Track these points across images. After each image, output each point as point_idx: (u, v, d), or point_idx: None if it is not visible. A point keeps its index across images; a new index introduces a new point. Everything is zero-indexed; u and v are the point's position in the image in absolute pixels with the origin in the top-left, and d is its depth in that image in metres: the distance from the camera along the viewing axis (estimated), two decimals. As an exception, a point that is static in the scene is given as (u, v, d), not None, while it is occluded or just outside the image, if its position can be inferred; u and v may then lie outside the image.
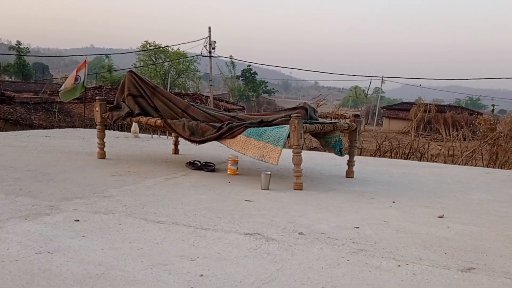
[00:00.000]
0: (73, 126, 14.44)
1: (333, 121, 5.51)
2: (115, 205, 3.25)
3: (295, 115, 4.13)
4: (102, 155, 5.29)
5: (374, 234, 2.93)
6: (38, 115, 20.04)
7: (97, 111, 5.20)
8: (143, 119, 5.00)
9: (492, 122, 14.11)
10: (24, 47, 59.17)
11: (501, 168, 9.44)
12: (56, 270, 2.07)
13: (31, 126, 16.64)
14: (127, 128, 11.17)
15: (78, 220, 2.83)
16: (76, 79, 7.63)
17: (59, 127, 14.18)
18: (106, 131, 5.46)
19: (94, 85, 32.76)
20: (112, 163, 5.02)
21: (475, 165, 9.61)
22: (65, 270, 2.07)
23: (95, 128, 5.38)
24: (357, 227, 3.06)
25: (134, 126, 7.85)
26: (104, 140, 5.30)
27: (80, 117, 18.36)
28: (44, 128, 14.24)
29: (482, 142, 11.61)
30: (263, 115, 5.05)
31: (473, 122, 16.94)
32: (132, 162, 5.21)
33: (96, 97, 5.38)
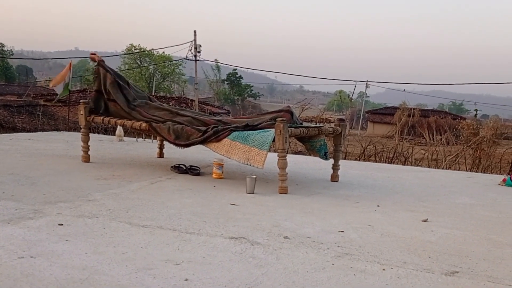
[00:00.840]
0: (57, 129, 14.33)
1: (318, 125, 5.52)
2: (100, 209, 3.22)
3: (281, 119, 4.14)
4: (87, 159, 5.26)
5: (359, 238, 2.94)
6: (22, 118, 19.83)
7: (82, 114, 5.17)
8: (128, 123, 4.97)
9: (475, 127, 14.23)
10: (7, 50, 58.53)
11: (483, 172, 9.54)
12: (39, 275, 2.05)
13: (14, 129, 16.47)
14: (111, 132, 11.10)
15: (62, 224, 2.81)
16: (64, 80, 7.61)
17: (43, 130, 14.05)
18: (91, 135, 5.43)
19: (78, 88, 32.50)
20: (97, 167, 4.99)
21: (459, 169, 9.70)
22: (48, 275, 2.05)
23: (80, 132, 5.35)
24: (342, 231, 3.07)
25: (119, 130, 7.81)
26: (89, 143, 5.27)
27: (64, 120, 18.20)
28: (28, 131, 14.11)
29: (465, 146, 11.71)
30: (248, 118, 5.05)
31: (456, 126, 17.08)
32: (116, 165, 5.18)
33: (81, 100, 5.35)
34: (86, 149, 5.26)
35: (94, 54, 5.50)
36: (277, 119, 4.16)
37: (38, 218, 2.91)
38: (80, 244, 2.48)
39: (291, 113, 4.70)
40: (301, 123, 5.00)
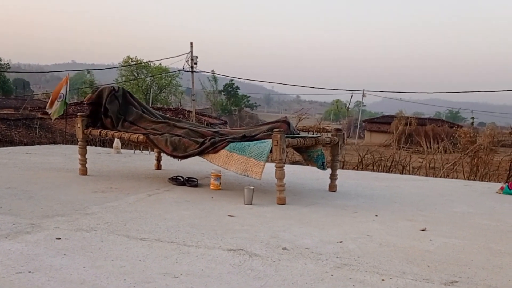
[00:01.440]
0: (55, 142, 14.31)
1: (315, 135, 5.53)
2: (97, 222, 3.22)
3: (278, 129, 4.14)
4: (84, 172, 5.25)
5: (358, 248, 2.93)
6: (19, 131, 19.82)
7: (79, 127, 5.17)
8: (125, 135, 4.97)
9: (472, 135, 14.28)
10: (4, 63, 58.60)
11: (481, 180, 9.55)
12: (37, 289, 2.04)
13: (12, 143, 16.44)
14: (109, 144, 11.10)
15: (60, 238, 2.80)
16: (59, 97, 7.60)
17: (40, 143, 14.04)
18: (88, 147, 5.42)
19: (75, 101, 32.51)
20: (94, 180, 4.98)
21: (456, 177, 9.71)
22: (46, 290, 2.04)
23: (77, 144, 5.34)
24: (340, 242, 3.07)
25: (116, 142, 7.81)
26: (86, 156, 5.26)
27: (61, 133, 18.18)
28: (25, 144, 14.10)
29: (462, 154, 11.72)
30: (246, 129, 5.06)
31: (454, 134, 17.12)
32: (114, 178, 5.17)
33: (78, 113, 5.35)
34: (84, 162, 5.26)
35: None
36: (274, 130, 4.17)
37: (35, 233, 2.90)
38: (78, 258, 2.47)
39: (288, 124, 4.71)
40: (298, 133, 5.00)
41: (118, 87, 5.38)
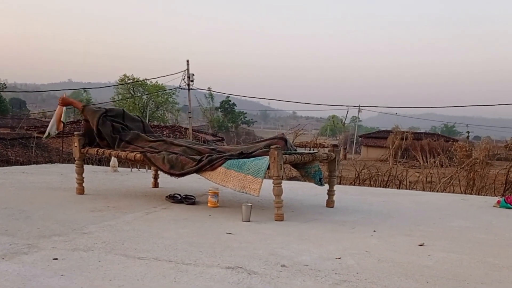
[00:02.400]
0: (51, 162, 14.26)
1: (312, 151, 5.54)
2: (95, 242, 3.21)
3: (275, 146, 4.15)
4: (81, 191, 5.24)
5: (356, 264, 2.93)
6: (15, 151, 19.76)
7: (76, 146, 5.17)
8: (122, 154, 4.97)
9: (467, 149, 14.29)
10: (1, 83, 58.70)
11: (478, 194, 9.55)
12: (35, 311, 2.03)
13: (8, 162, 16.38)
14: (106, 162, 11.08)
15: (57, 259, 2.79)
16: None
17: (37, 162, 13.99)
18: (85, 166, 5.43)
19: (72, 120, 32.50)
20: (91, 199, 4.97)
21: (453, 191, 9.71)
22: (44, 311, 2.03)
23: (74, 163, 5.34)
24: (339, 258, 3.06)
25: (113, 160, 7.80)
26: (83, 175, 5.25)
27: (58, 152, 18.16)
28: (21, 164, 14.05)
29: (459, 168, 11.73)
30: (243, 146, 5.06)
31: (449, 148, 17.15)
32: (111, 197, 5.16)
33: (75, 132, 5.35)
34: (81, 181, 5.25)
35: (62, 97, 5.55)
36: (271, 147, 4.18)
37: (32, 253, 2.89)
38: (76, 278, 2.46)
39: (285, 140, 4.72)
40: (295, 150, 5.01)
41: (111, 108, 5.39)
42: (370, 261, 3.02)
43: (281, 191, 4.19)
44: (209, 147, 5.13)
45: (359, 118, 51.77)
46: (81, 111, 5.34)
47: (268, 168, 4.15)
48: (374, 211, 5.00)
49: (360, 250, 3.28)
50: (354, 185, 10.03)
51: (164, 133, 23.01)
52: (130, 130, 5.28)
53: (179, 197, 5.00)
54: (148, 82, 46.86)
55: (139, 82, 46.80)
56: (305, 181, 5.62)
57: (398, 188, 9.84)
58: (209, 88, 48.52)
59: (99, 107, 5.42)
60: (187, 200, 4.95)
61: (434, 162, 13.78)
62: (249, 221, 4.09)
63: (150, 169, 6.81)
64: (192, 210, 4.59)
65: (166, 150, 4.85)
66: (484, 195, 8.93)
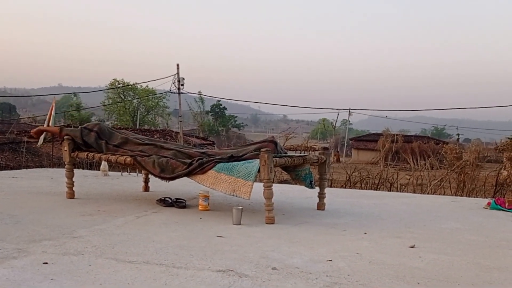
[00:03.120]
0: (41, 166, 14.17)
1: (302, 154, 5.54)
2: (85, 246, 3.19)
3: (265, 149, 4.15)
4: (71, 195, 5.21)
5: (347, 267, 2.93)
6: (5, 156, 19.63)
7: (66, 150, 5.14)
8: (113, 158, 4.95)
9: (458, 151, 14.36)
10: (-10, 88, 58.40)
11: (468, 196, 9.59)
12: (24, 315, 2.01)
13: (-3, 167, 16.27)
14: (96, 166, 11.03)
15: (47, 263, 2.77)
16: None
17: (27, 167, 13.90)
18: (75, 170, 5.39)
19: (62, 124, 32.36)
20: (82, 203, 4.94)
21: (444, 194, 9.75)
22: (33, 316, 2.01)
23: (64, 168, 5.31)
24: (330, 260, 3.06)
25: (104, 165, 7.77)
26: (73, 179, 5.23)
27: (48, 156, 18.05)
28: (11, 168, 13.96)
29: (449, 170, 11.79)
30: (233, 149, 5.06)
31: (440, 151, 17.23)
32: (102, 201, 5.14)
33: (65, 136, 5.32)
34: (71, 185, 5.22)
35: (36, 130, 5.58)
36: (261, 150, 4.18)
37: (22, 257, 2.87)
38: (66, 282, 2.44)
39: (275, 143, 4.72)
40: (286, 153, 5.01)
41: (93, 123, 5.41)
42: (361, 263, 3.02)
43: (271, 194, 4.19)
44: (199, 150, 5.12)
45: (349, 121, 52.00)
46: (59, 133, 5.33)
47: (259, 171, 4.15)
48: (365, 214, 5.01)
49: (351, 253, 3.29)
50: (345, 188, 10.05)
51: (155, 137, 22.93)
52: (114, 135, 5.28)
53: (170, 201, 4.99)
54: (139, 86, 46.78)
55: (130, 86, 46.66)
56: (295, 184, 5.62)
57: (389, 190, 9.86)
58: (199, 92, 48.46)
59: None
60: (177, 203, 4.93)
61: (425, 164, 13.84)
62: (240, 224, 4.09)
63: (141, 173, 6.79)
64: (182, 213, 4.58)
65: (156, 154, 4.84)
66: (474, 197, 8.97)
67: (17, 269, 2.63)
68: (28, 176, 7.40)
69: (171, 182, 4.84)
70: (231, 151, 4.79)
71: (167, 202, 4.97)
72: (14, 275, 2.53)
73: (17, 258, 2.86)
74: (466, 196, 9.46)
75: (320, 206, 5.11)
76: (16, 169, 11.45)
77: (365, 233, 3.96)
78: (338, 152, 44.84)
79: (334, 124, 55.91)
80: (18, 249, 3.04)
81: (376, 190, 9.75)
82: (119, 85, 47.46)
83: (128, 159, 4.83)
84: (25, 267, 2.69)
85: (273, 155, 4.24)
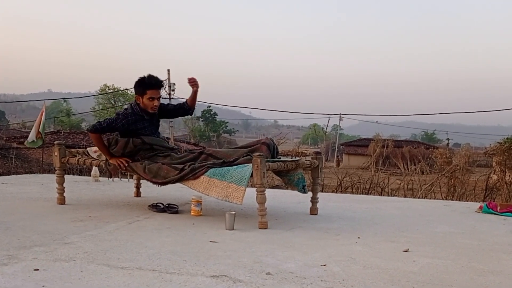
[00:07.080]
0: (31, 172, 14.09)
1: (295, 158, 5.53)
2: (76, 252, 3.15)
3: (258, 153, 4.14)
4: (62, 201, 5.16)
5: (342, 271, 2.92)
6: (-6, 162, 19.48)
7: (56, 156, 5.09)
8: (103, 163, 4.92)
9: (448, 156, 14.42)
10: (-22, 94, 58.09)
11: (459, 200, 9.64)
12: (16, 323, 1.98)
13: (-14, 173, 16.14)
14: (87, 172, 10.97)
15: (38, 269, 2.73)
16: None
17: (16, 173, 13.82)
18: (66, 176, 5.35)
19: (52, 130, 32.18)
20: (73, 209, 4.90)
21: (434, 198, 9.79)
22: (25, 323, 1.98)
23: (54, 173, 5.26)
24: (324, 265, 3.05)
25: (94, 170, 7.71)
26: (64, 185, 5.18)
27: (38, 162, 17.95)
28: (1, 174, 13.84)
29: (439, 175, 11.85)
30: (228, 148, 5.01)
31: (430, 156, 17.28)
32: (93, 206, 5.09)
33: (55, 142, 5.28)
34: (62, 191, 5.17)
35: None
36: (254, 154, 4.16)
37: (12, 264, 2.83)
38: (58, 289, 2.41)
39: (268, 145, 4.66)
40: (278, 152, 4.97)
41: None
42: (355, 268, 3.01)
43: (264, 199, 4.17)
44: (194, 151, 5.04)
45: (340, 127, 52.13)
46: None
47: (251, 176, 4.14)
48: (358, 218, 5.01)
49: (345, 257, 3.27)
50: (336, 192, 10.06)
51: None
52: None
53: (162, 206, 4.95)
54: (129, 92, 46.66)
55: (120, 91, 46.56)
56: (287, 188, 5.61)
57: (380, 195, 9.89)
58: (190, 97, 48.36)
59: None
60: (170, 209, 4.90)
61: (415, 169, 13.90)
62: (233, 229, 4.06)
63: (132, 178, 6.75)
64: (175, 219, 4.55)
65: (149, 159, 4.80)
66: (465, 201, 9.01)
67: (7, 276, 2.60)
68: (18, 182, 7.33)
69: (163, 187, 4.81)
70: (226, 151, 4.76)
71: (159, 208, 4.94)
72: (5, 282, 2.49)
73: (7, 264, 2.82)
74: (456, 200, 9.51)
75: (313, 211, 5.09)
76: (6, 175, 11.36)
77: (359, 238, 3.95)
78: (338, 156, 45.04)
79: (325, 129, 56.05)
80: (9, 256, 3.00)
81: (367, 194, 9.76)
82: (109, 91, 47.38)
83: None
84: (16, 273, 2.65)
85: (266, 159, 4.22)
